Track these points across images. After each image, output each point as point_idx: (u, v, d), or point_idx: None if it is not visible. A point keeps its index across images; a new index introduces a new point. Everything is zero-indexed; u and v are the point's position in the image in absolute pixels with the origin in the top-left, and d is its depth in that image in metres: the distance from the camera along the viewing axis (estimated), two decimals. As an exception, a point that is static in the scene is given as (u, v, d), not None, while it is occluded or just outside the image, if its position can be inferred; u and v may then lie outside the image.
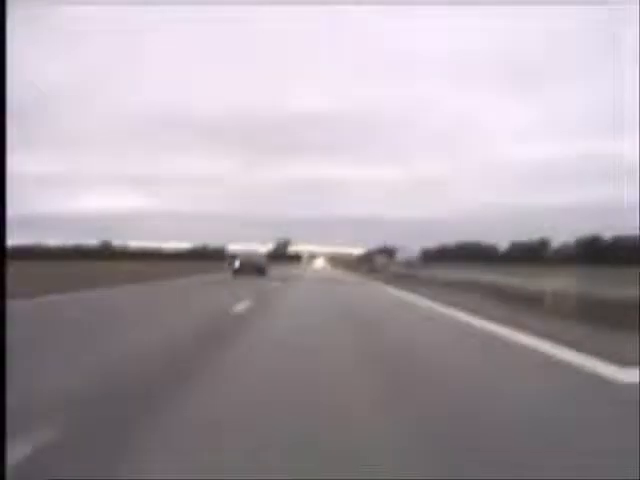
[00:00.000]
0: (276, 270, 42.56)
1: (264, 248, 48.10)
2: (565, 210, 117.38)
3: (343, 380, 4.95)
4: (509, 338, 7.89)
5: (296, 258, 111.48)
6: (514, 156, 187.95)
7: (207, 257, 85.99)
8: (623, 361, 5.73)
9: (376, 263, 56.86)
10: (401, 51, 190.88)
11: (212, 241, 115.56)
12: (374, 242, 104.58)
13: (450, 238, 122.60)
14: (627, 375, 5.13)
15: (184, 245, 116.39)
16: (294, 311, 12.23)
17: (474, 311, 11.63)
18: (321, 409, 3.90)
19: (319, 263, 75.16)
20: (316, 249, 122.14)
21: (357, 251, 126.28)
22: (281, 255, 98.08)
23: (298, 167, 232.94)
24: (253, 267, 33.80)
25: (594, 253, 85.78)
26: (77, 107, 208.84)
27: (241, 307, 11.97)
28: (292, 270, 54.90)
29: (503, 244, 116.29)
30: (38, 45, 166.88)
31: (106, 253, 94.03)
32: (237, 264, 34.15)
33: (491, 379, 5.23)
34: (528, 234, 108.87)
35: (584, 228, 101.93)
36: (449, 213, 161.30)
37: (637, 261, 54.16)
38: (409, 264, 49.01)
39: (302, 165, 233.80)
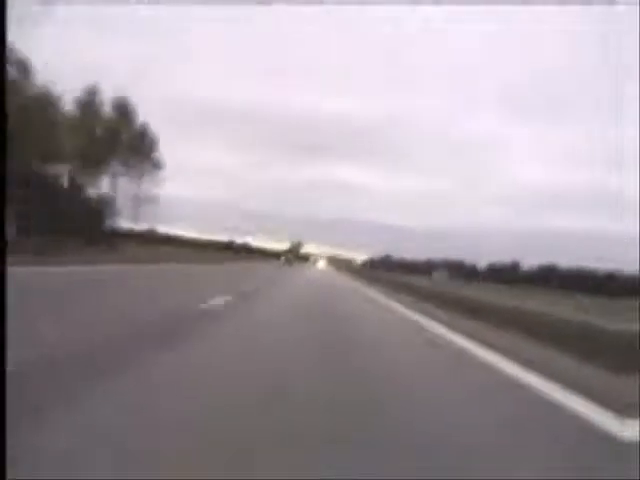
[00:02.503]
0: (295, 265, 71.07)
1: (283, 246, 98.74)
2: (535, 236, 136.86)
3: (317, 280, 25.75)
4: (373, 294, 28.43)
5: (305, 258, 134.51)
6: (515, 179, 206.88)
7: (236, 250, 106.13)
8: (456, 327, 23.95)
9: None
10: (426, 68, 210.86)
11: (229, 233, 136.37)
12: (377, 248, 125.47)
13: (443, 253, 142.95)
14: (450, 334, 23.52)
15: (214, 237, 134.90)
16: (307, 271, 33.48)
17: (375, 287, 32.22)
18: (315, 282, 24.65)
19: (320, 264, 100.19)
20: (322, 251, 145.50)
21: (359, 256, 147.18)
22: (294, 254, 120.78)
23: (311, 170, 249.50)
24: (288, 261, 70.85)
25: (549, 279, 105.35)
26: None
27: (291, 270, 33.37)
28: (304, 265, 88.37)
29: (483, 263, 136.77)
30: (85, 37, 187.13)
31: (152, 238, 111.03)
32: (283, 260, 73.68)
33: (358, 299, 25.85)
34: (506, 256, 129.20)
35: (548, 255, 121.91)
36: (449, 227, 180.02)
37: (576, 289, 73.20)
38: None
39: (318, 169, 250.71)
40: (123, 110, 43.39)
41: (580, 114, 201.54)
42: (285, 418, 3.59)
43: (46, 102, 31.67)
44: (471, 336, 9.38)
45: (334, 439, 3.26)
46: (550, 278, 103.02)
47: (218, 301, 11.11)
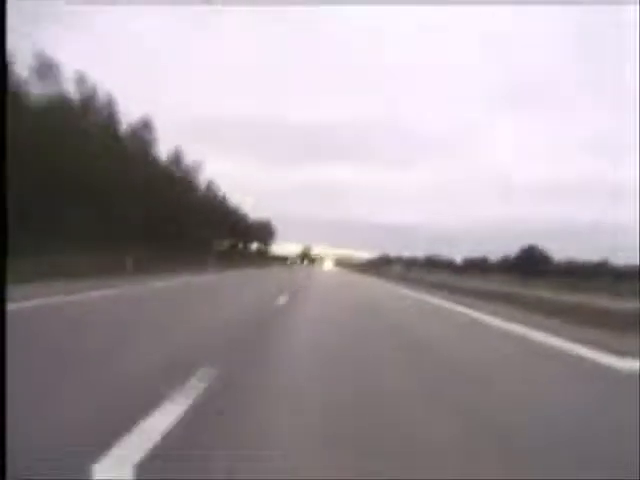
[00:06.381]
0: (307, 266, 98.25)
1: (295, 250, 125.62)
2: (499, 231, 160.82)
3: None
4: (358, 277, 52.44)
5: (313, 260, 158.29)
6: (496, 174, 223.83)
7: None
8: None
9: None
10: (417, 67, 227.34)
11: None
12: (379, 247, 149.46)
13: (430, 249, 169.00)
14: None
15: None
16: (323, 270, 63.44)
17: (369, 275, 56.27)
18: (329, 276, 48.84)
19: (329, 265, 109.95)
20: (329, 251, 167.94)
21: (363, 255, 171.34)
22: (305, 257, 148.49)
23: (312, 172, 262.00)
24: (311, 263, 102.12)
25: (507, 267, 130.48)
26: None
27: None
28: (316, 266, 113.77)
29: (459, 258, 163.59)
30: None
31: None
32: (306, 262, 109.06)
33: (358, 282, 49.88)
34: (479, 252, 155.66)
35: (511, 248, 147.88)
36: (436, 225, 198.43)
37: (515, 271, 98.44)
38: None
39: (315, 170, 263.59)
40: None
41: (577, 112, 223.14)
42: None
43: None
44: (394, 285, 33.31)
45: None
46: (506, 266, 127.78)
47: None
